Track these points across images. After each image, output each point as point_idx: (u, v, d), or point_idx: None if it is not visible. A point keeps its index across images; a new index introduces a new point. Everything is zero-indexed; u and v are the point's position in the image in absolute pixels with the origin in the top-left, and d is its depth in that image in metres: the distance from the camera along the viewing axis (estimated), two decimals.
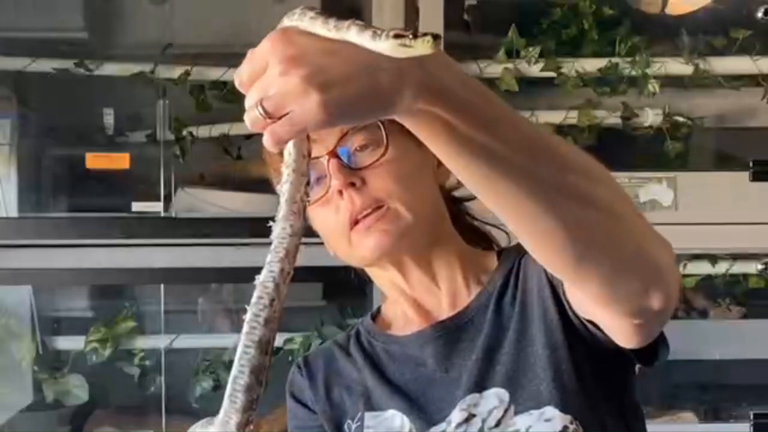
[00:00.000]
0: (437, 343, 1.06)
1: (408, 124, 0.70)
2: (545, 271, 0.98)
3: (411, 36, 0.61)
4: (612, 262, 0.80)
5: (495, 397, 1.00)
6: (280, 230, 0.72)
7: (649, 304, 0.84)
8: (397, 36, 0.62)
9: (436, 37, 0.62)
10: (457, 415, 1.01)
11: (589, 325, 0.96)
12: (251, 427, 0.69)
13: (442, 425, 1.02)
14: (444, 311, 1.08)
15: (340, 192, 1.00)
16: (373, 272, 1.11)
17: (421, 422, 1.03)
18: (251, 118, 0.68)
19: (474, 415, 1.00)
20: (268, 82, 0.68)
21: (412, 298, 1.09)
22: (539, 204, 0.74)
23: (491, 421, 0.99)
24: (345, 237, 1.02)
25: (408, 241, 1.01)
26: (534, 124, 0.78)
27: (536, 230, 0.77)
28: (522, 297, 1.03)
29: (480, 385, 1.01)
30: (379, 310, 1.18)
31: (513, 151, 0.71)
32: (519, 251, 1.06)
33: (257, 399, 0.69)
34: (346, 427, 1.09)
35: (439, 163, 1.02)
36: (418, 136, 0.72)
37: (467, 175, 0.74)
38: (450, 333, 1.06)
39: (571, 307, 0.97)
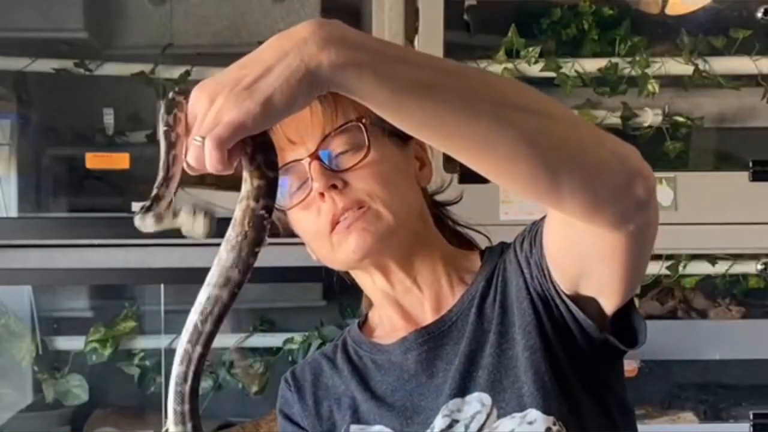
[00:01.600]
0: (421, 350, 1.05)
1: (342, 89, 0.72)
2: (522, 271, 0.99)
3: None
4: (584, 166, 0.79)
5: (477, 401, 0.99)
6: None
7: (635, 195, 0.82)
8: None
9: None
10: (440, 422, 1.00)
11: (575, 311, 0.96)
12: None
13: None
14: (428, 315, 1.07)
15: (322, 195, 0.99)
16: (357, 276, 1.11)
17: None
18: (193, 156, 0.71)
19: (457, 421, 1.00)
20: (201, 118, 0.70)
21: (396, 302, 1.09)
22: (488, 125, 0.74)
23: (474, 426, 0.98)
24: (326, 239, 1.01)
25: (389, 242, 1.01)
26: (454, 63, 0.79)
27: (498, 157, 0.77)
28: (502, 298, 1.02)
29: (462, 390, 1.01)
30: (366, 317, 1.17)
31: (441, 76, 0.73)
32: (501, 251, 1.06)
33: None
34: None
35: (421, 166, 1.06)
36: (357, 99, 0.73)
37: (409, 118, 0.74)
38: (433, 338, 1.05)
39: (558, 294, 0.97)
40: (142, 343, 2.20)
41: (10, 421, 2.20)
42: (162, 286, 2.20)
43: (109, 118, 2.24)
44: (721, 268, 2.15)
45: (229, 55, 2.52)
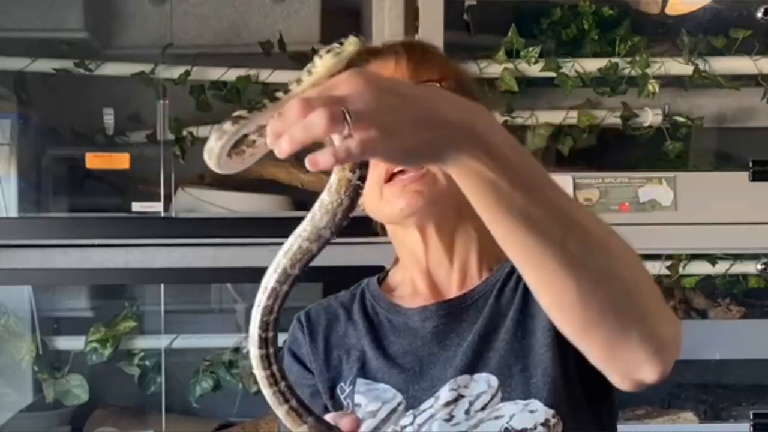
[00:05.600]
0: (439, 321, 1.08)
1: (454, 174, 0.75)
2: None
3: (338, 43, 0.71)
4: (616, 333, 0.81)
5: (485, 381, 1.02)
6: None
7: (642, 377, 0.85)
8: (328, 51, 0.73)
9: (359, 37, 0.72)
10: (446, 394, 1.03)
11: None
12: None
13: (430, 401, 1.04)
14: (452, 289, 1.10)
15: None
16: (395, 231, 1.13)
17: (412, 399, 1.05)
18: (330, 114, 0.66)
19: (462, 396, 1.02)
20: (359, 94, 0.67)
21: (425, 269, 1.11)
22: (560, 270, 0.77)
23: (478, 405, 1.01)
24: (377, 189, 1.03)
25: (438, 207, 1.02)
26: (569, 197, 0.80)
27: (552, 291, 0.80)
28: (525, 289, 1.03)
29: (472, 368, 1.03)
30: (386, 274, 1.19)
31: (547, 219, 0.75)
32: None
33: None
34: (338, 389, 1.11)
35: None
36: (461, 188, 0.76)
37: (502, 232, 0.77)
38: (453, 312, 1.08)
39: None
40: (142, 343, 2.20)
41: (10, 421, 2.20)
42: (162, 286, 2.20)
43: (109, 118, 2.24)
44: (721, 268, 2.15)
45: (229, 55, 2.52)
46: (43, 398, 2.18)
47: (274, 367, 0.77)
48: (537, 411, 0.98)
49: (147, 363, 2.19)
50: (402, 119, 0.68)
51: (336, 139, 0.68)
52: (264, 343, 0.77)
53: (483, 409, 1.00)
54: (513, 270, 1.06)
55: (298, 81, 0.74)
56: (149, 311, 2.27)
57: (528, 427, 0.97)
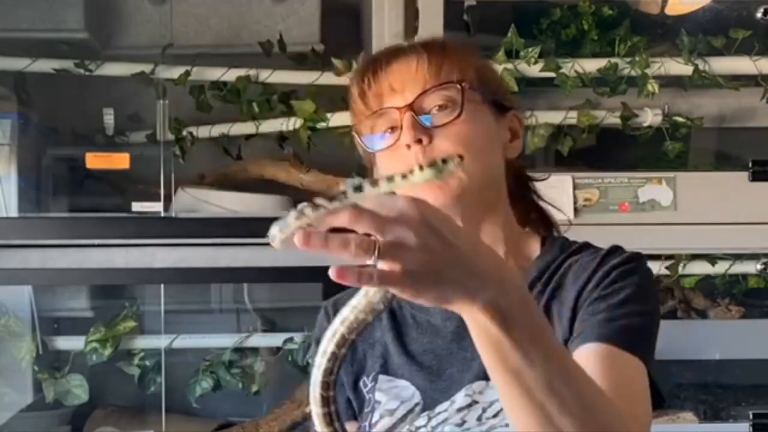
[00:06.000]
0: (460, 321, 1.05)
1: (466, 317, 0.78)
2: (577, 301, 1.01)
3: (441, 161, 0.75)
4: None
5: None
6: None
7: None
8: (431, 165, 0.75)
9: (461, 157, 0.77)
10: (461, 399, 1.03)
11: None
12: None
13: (446, 404, 1.04)
14: None
15: (408, 146, 1.03)
16: None
17: (429, 400, 1.06)
18: (359, 245, 0.71)
19: (476, 402, 1.02)
20: (392, 229, 0.71)
21: None
22: (539, 426, 0.79)
23: (490, 412, 1.01)
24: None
25: (462, 203, 1.03)
26: (571, 374, 0.81)
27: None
28: (549, 297, 1.04)
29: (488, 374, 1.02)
30: None
31: (538, 387, 0.78)
32: (563, 248, 1.09)
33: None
34: (361, 383, 1.11)
35: (512, 138, 1.10)
36: (468, 326, 0.79)
37: (492, 374, 0.80)
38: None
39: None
40: (142, 343, 2.20)
41: (11, 421, 2.20)
42: (162, 286, 2.20)
43: (109, 118, 2.25)
44: (721, 268, 2.15)
45: (229, 55, 2.52)
46: (43, 398, 2.18)
47: (337, 425, 0.83)
48: None
49: (147, 363, 2.19)
50: (431, 265, 0.72)
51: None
52: (326, 402, 0.82)
53: (495, 416, 1.01)
54: (542, 275, 1.07)
55: (390, 179, 0.74)
56: (149, 311, 2.27)
57: None
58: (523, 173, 1.17)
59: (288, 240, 0.74)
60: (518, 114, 1.11)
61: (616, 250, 1.06)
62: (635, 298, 1.00)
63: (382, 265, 0.71)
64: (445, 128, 1.03)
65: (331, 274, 0.72)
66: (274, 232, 0.75)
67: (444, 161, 0.75)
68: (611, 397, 0.84)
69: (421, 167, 0.75)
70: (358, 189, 0.74)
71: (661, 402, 1.03)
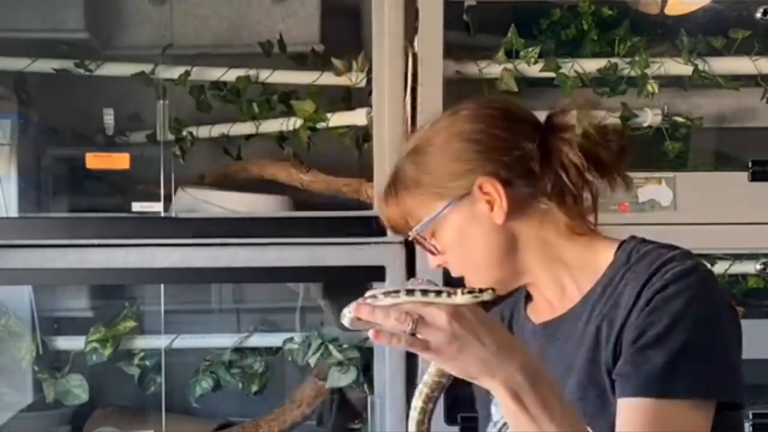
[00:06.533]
0: (539, 342, 1.17)
1: (490, 389, 0.93)
2: (625, 325, 1.04)
3: (478, 290, 0.92)
4: None
5: None
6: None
7: None
8: (470, 291, 0.92)
9: (494, 290, 0.93)
10: None
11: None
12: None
13: None
14: (557, 307, 1.16)
15: None
16: None
17: None
18: (398, 318, 0.90)
19: None
20: (432, 316, 0.90)
21: (536, 291, 1.20)
22: None
23: None
24: None
25: (502, 289, 1.15)
26: None
27: None
28: (601, 320, 1.07)
29: None
30: None
31: None
32: (629, 257, 1.10)
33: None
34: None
35: (491, 207, 1.12)
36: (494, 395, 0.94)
37: (513, 426, 0.94)
38: (547, 336, 1.16)
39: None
40: (142, 343, 2.20)
41: (11, 421, 2.20)
42: (162, 286, 2.20)
43: (109, 118, 2.25)
44: (721, 268, 2.15)
45: (229, 55, 2.52)
46: (43, 398, 2.18)
47: None
48: None
49: (147, 363, 2.19)
50: (452, 345, 0.89)
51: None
52: None
53: None
54: (603, 292, 1.09)
55: (438, 293, 0.93)
56: (149, 311, 2.27)
57: None
58: (570, 199, 1.16)
59: (354, 320, 0.94)
60: (482, 178, 1.12)
61: (666, 264, 1.05)
62: (672, 330, 0.99)
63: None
64: (446, 253, 1.17)
65: (371, 334, 0.91)
66: (345, 312, 0.95)
67: (481, 291, 0.92)
68: None
69: (463, 291, 0.92)
70: (410, 293, 0.92)
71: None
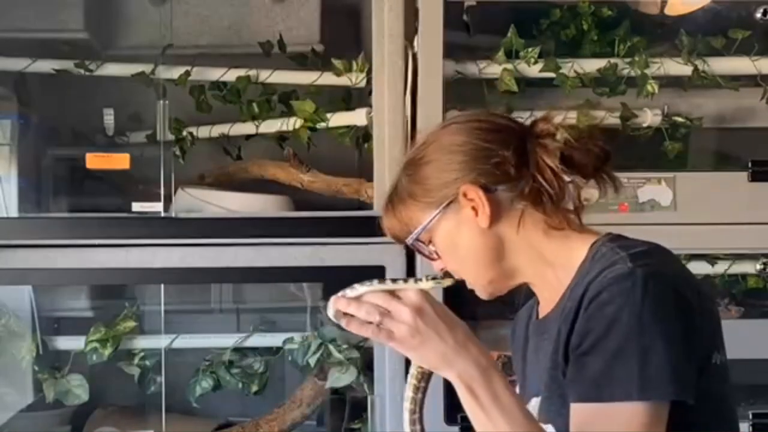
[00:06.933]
0: (536, 338, 1.26)
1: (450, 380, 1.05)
2: (574, 326, 1.09)
3: (440, 277, 1.10)
4: None
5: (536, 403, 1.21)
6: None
7: None
8: (433, 278, 1.08)
9: (454, 278, 1.17)
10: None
11: None
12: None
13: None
14: (551, 303, 1.22)
15: None
16: None
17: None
18: (368, 312, 1.04)
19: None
20: (397, 310, 1.04)
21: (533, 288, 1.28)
22: None
23: None
24: None
25: (489, 289, 1.24)
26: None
27: None
28: (562, 321, 1.13)
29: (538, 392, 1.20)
30: None
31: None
32: (594, 259, 1.14)
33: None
34: None
35: (476, 213, 1.19)
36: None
37: (469, 415, 1.06)
38: (538, 332, 1.24)
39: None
40: (142, 343, 2.20)
41: (11, 421, 2.20)
42: (162, 286, 2.20)
43: (109, 118, 2.25)
44: (720, 268, 2.15)
45: (229, 55, 2.51)
46: (43, 398, 2.18)
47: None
48: None
49: (147, 363, 2.19)
50: (414, 338, 1.02)
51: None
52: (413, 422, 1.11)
53: None
54: (569, 291, 1.15)
55: (405, 280, 1.08)
56: (149, 311, 2.27)
57: None
58: (546, 198, 1.19)
59: (336, 312, 1.06)
60: (465, 186, 1.18)
61: (608, 267, 1.08)
62: (606, 336, 1.03)
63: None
64: (442, 258, 1.24)
65: (343, 323, 1.05)
66: (328, 305, 1.07)
67: (443, 277, 1.12)
68: None
69: (427, 278, 1.08)
70: (382, 281, 1.06)
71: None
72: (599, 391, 1.02)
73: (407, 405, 1.09)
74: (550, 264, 1.20)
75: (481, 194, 1.17)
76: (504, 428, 1.02)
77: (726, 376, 1.12)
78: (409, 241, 1.24)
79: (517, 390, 1.28)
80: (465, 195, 1.18)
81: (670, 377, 1.00)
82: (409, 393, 1.10)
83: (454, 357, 1.03)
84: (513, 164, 1.17)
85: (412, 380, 1.10)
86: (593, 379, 1.03)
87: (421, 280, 1.07)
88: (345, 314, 1.05)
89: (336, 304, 1.05)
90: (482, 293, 1.25)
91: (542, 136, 1.19)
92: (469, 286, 1.24)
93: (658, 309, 1.02)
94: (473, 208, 1.18)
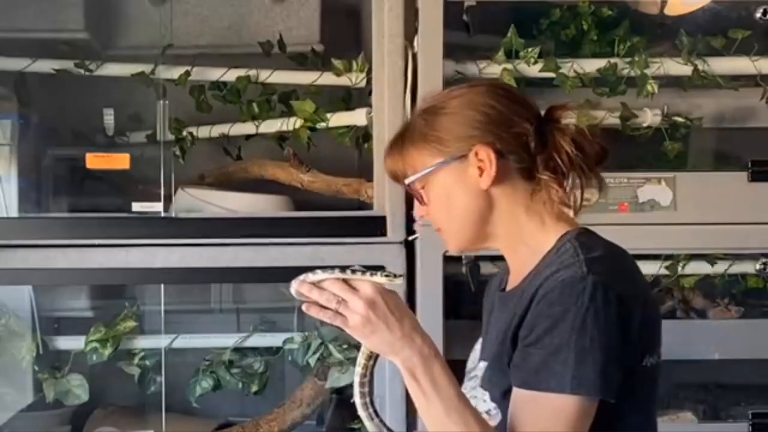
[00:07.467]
0: (498, 307, 1.33)
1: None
2: (522, 320, 1.17)
3: (393, 275, 1.15)
4: None
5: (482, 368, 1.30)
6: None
7: None
8: (386, 275, 1.14)
9: (403, 278, 1.28)
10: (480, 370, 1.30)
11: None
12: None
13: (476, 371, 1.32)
14: (515, 279, 1.29)
15: None
16: None
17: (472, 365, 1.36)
18: (327, 300, 1.14)
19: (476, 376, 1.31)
20: (353, 302, 1.13)
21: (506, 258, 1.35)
22: None
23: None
24: None
25: (463, 245, 1.31)
26: (466, 415, 1.14)
27: None
28: (516, 304, 1.21)
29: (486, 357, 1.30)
30: None
31: (437, 420, 1.14)
32: (557, 253, 1.20)
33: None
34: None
35: (480, 173, 1.24)
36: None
37: (413, 398, 1.17)
38: (499, 304, 1.32)
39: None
40: (142, 342, 2.21)
41: (11, 421, 2.20)
42: (162, 286, 2.20)
43: (109, 118, 2.25)
44: (720, 268, 2.15)
45: (229, 55, 2.51)
46: (43, 398, 2.19)
47: (371, 411, 1.22)
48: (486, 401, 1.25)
49: (147, 363, 2.20)
50: (365, 326, 1.13)
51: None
52: (363, 395, 1.21)
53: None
54: (528, 278, 1.23)
55: (363, 272, 1.15)
56: (149, 311, 2.27)
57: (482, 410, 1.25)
58: (538, 174, 1.26)
59: (297, 292, 1.16)
60: (479, 145, 1.24)
61: (564, 268, 1.16)
62: (550, 333, 1.12)
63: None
64: (430, 204, 1.29)
65: (303, 308, 1.14)
66: (292, 283, 1.16)
67: (395, 276, 1.15)
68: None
69: (381, 274, 1.14)
70: (344, 270, 1.15)
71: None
72: (537, 380, 1.12)
73: (359, 370, 1.20)
74: (524, 242, 1.26)
75: (493, 158, 1.23)
76: (440, 409, 1.13)
77: (655, 376, 1.22)
78: (407, 181, 1.29)
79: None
80: (476, 154, 1.23)
81: (599, 377, 1.11)
82: (361, 359, 1.20)
83: (400, 346, 1.13)
84: (533, 140, 1.24)
85: (361, 358, 1.20)
86: (534, 369, 1.13)
87: (375, 274, 1.15)
88: (306, 296, 1.14)
89: (300, 287, 1.15)
90: (454, 247, 1.31)
91: (559, 121, 1.26)
92: (444, 236, 1.31)
93: (600, 316, 1.11)
94: (480, 168, 1.24)
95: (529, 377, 1.14)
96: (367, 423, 1.22)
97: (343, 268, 1.15)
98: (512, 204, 1.26)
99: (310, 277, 1.15)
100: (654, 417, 1.26)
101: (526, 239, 1.26)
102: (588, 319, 1.11)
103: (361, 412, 1.21)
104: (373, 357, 1.20)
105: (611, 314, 1.12)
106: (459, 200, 1.26)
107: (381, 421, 1.22)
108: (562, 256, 1.18)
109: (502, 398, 1.21)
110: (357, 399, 1.21)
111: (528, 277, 1.23)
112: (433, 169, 1.25)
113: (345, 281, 1.14)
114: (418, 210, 1.36)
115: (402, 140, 1.31)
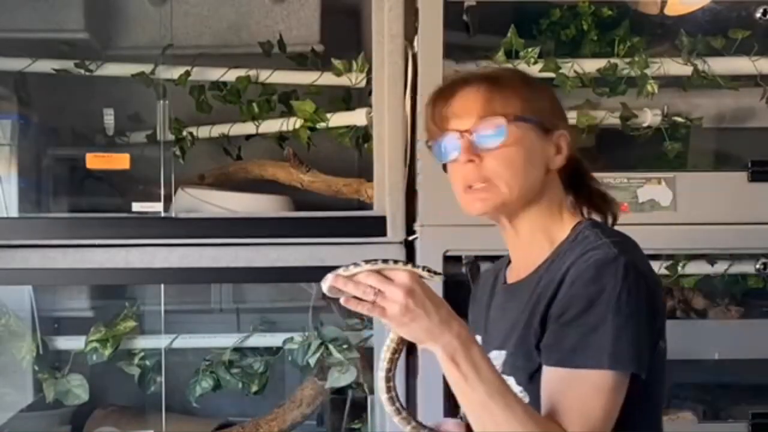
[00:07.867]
0: (503, 300, 1.38)
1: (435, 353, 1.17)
2: (555, 297, 1.22)
3: (434, 272, 1.17)
4: None
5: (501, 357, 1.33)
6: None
7: None
8: (426, 268, 1.16)
9: (444, 277, 1.20)
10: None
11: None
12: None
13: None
14: (522, 272, 1.35)
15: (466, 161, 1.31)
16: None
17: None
18: (364, 292, 1.14)
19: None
20: (390, 291, 1.13)
21: (512, 252, 1.40)
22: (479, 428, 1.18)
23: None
24: (460, 194, 1.34)
25: (502, 209, 1.32)
26: (507, 399, 1.15)
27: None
28: (541, 291, 1.25)
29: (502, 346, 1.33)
30: None
31: (478, 406, 1.16)
32: (576, 239, 1.27)
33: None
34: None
35: (557, 152, 1.33)
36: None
37: (451, 385, 1.18)
38: (507, 296, 1.37)
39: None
40: (142, 342, 2.21)
41: (11, 421, 2.20)
42: (162, 286, 2.20)
43: (109, 118, 2.25)
44: (720, 268, 2.15)
45: (229, 55, 2.51)
46: (43, 398, 2.19)
47: (398, 404, 1.23)
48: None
49: (147, 363, 2.20)
50: (404, 315, 1.13)
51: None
52: (389, 389, 1.23)
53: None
54: (547, 264, 1.28)
55: (396, 261, 1.15)
56: (149, 311, 2.27)
57: None
58: (578, 167, 1.37)
59: (331, 288, 1.15)
60: (565, 132, 1.32)
61: (594, 250, 1.21)
62: (587, 312, 1.17)
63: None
64: (494, 152, 1.28)
65: (342, 301, 1.14)
66: (326, 278, 1.15)
67: (436, 273, 1.17)
68: (544, 415, 1.17)
69: (406, 263, 1.15)
70: (372, 262, 1.14)
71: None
72: (574, 358, 1.17)
73: (384, 365, 1.22)
74: (544, 230, 1.33)
75: (570, 146, 1.32)
76: (482, 392, 1.14)
77: (664, 361, 1.29)
78: (486, 116, 1.28)
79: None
80: (561, 136, 1.32)
81: (634, 354, 1.17)
82: (387, 354, 1.22)
83: (439, 332, 1.14)
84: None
85: (391, 344, 1.22)
86: (570, 348, 1.17)
87: (415, 266, 1.16)
88: (341, 291, 1.15)
89: (335, 282, 1.15)
90: (479, 208, 1.31)
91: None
92: (490, 190, 1.29)
93: (632, 295, 1.17)
94: (557, 147, 1.32)
95: (565, 356, 1.18)
96: (395, 418, 1.23)
97: (376, 261, 1.15)
98: (552, 193, 1.33)
99: (342, 272, 1.15)
100: (663, 401, 1.32)
101: (548, 226, 1.32)
102: (623, 297, 1.16)
103: (388, 407, 1.22)
104: (398, 351, 1.22)
105: (642, 293, 1.18)
106: (527, 166, 1.29)
107: (409, 413, 1.24)
108: (584, 242, 1.25)
109: (529, 381, 1.25)
110: (383, 394, 1.22)
111: (543, 265, 1.29)
112: (535, 120, 1.29)
113: (379, 272, 1.14)
114: (466, 154, 1.30)
115: (498, 81, 1.31)
